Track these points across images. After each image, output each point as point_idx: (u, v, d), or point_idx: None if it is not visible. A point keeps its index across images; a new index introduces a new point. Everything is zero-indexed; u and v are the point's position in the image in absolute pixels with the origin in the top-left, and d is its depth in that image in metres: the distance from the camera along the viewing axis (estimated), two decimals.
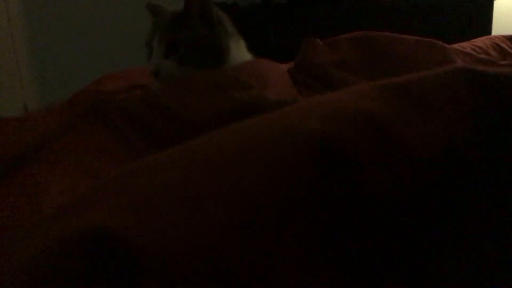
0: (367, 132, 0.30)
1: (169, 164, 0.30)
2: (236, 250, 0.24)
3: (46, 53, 2.69)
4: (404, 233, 0.28)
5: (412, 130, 0.30)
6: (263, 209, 0.25)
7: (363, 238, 0.27)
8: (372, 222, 0.27)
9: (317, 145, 0.28)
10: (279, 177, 0.27)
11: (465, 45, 1.29)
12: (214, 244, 0.24)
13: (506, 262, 0.30)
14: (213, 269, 0.23)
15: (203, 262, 0.23)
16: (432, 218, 0.29)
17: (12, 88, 2.87)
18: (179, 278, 0.23)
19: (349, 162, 0.28)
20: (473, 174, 0.30)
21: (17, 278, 0.23)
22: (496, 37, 1.46)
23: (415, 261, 0.28)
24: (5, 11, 2.69)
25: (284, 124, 0.31)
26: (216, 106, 0.63)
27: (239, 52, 0.85)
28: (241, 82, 0.69)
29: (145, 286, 0.22)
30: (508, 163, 0.31)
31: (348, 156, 0.28)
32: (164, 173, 0.29)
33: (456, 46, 1.15)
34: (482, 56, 1.01)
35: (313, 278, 0.25)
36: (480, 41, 1.40)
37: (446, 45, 0.95)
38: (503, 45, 1.37)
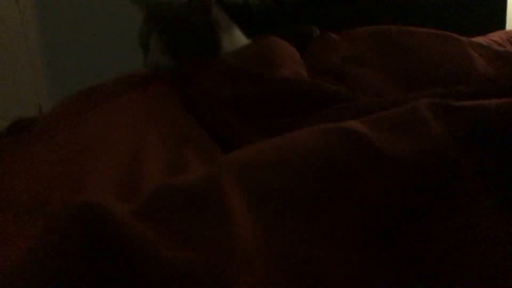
0: (355, 147, 0.40)
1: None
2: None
3: (60, 55, 2.72)
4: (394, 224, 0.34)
5: (388, 144, 0.39)
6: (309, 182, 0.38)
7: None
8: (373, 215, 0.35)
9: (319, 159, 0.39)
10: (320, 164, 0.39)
11: (481, 39, 1.26)
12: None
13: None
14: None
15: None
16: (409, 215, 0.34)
17: (26, 90, 2.92)
18: None
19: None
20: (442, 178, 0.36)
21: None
22: None
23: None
24: (19, 15, 2.73)
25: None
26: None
27: (232, 41, 0.92)
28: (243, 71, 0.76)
29: None
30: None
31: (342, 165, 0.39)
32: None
33: (472, 39, 1.12)
34: (500, 48, 0.98)
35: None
36: (496, 36, 1.37)
37: (461, 38, 0.93)
38: None
